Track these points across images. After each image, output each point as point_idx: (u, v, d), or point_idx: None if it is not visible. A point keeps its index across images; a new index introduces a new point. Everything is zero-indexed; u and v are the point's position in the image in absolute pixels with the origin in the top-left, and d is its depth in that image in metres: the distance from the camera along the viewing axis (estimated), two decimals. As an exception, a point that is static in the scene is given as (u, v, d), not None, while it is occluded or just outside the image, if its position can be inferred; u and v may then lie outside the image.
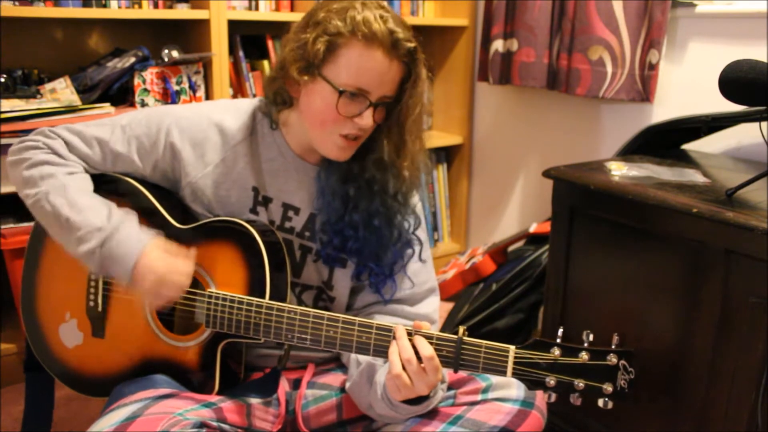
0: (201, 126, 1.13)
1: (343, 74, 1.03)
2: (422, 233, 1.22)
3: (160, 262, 1.03)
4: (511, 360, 0.97)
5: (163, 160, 1.13)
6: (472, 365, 0.98)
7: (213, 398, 1.09)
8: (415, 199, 1.21)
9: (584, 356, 0.95)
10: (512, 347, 0.97)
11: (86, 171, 1.14)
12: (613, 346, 0.96)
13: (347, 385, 1.15)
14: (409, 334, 1.00)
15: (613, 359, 0.95)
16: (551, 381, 0.96)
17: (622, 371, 0.95)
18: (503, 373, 0.97)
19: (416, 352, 0.98)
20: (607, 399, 0.95)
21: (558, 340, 0.97)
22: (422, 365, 0.97)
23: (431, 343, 0.98)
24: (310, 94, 1.07)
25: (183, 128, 1.13)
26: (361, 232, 1.14)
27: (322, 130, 1.07)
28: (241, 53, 2.17)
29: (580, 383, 0.96)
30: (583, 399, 0.97)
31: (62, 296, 1.17)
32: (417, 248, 1.20)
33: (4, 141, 1.63)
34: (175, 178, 1.15)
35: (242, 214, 1.15)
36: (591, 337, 0.97)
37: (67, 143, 1.12)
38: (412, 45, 1.04)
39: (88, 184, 1.11)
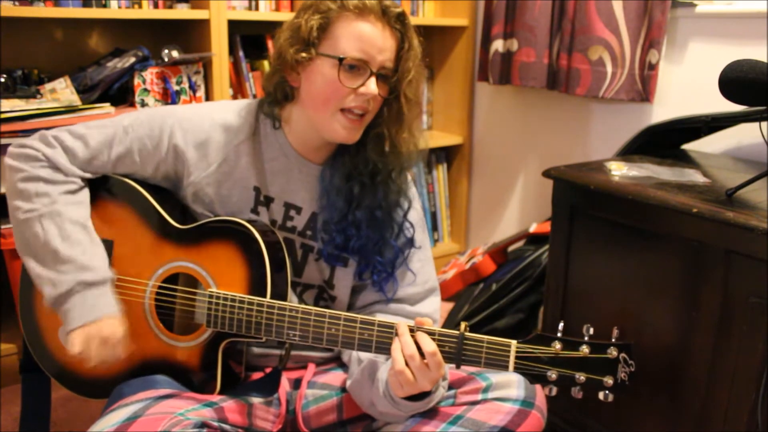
0: (204, 126, 1.13)
1: (340, 46, 1.05)
2: (416, 215, 1.22)
3: (107, 330, 1.04)
4: (512, 354, 0.98)
5: (166, 161, 1.13)
6: (474, 360, 0.99)
7: (214, 398, 1.09)
8: (409, 179, 1.22)
9: (585, 350, 0.96)
10: (514, 342, 0.98)
11: (85, 181, 1.13)
12: (613, 340, 0.97)
13: (348, 383, 1.15)
14: (412, 330, 1.00)
15: (613, 352, 0.96)
16: (553, 375, 0.97)
17: (623, 364, 0.96)
18: (505, 367, 0.98)
19: (419, 349, 0.98)
20: (607, 392, 0.96)
21: (559, 335, 0.98)
22: (425, 361, 0.97)
23: (433, 339, 0.99)
24: (310, 75, 1.08)
25: (186, 129, 1.13)
26: (363, 231, 1.15)
27: (327, 109, 1.08)
28: (241, 53, 2.17)
29: (581, 376, 0.96)
30: (584, 392, 0.97)
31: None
32: (410, 232, 1.20)
33: (4, 141, 1.62)
34: (177, 178, 1.15)
35: (243, 214, 1.15)
36: (591, 331, 0.98)
37: (67, 150, 1.11)
38: (399, 10, 1.08)
39: (83, 209, 1.11)
